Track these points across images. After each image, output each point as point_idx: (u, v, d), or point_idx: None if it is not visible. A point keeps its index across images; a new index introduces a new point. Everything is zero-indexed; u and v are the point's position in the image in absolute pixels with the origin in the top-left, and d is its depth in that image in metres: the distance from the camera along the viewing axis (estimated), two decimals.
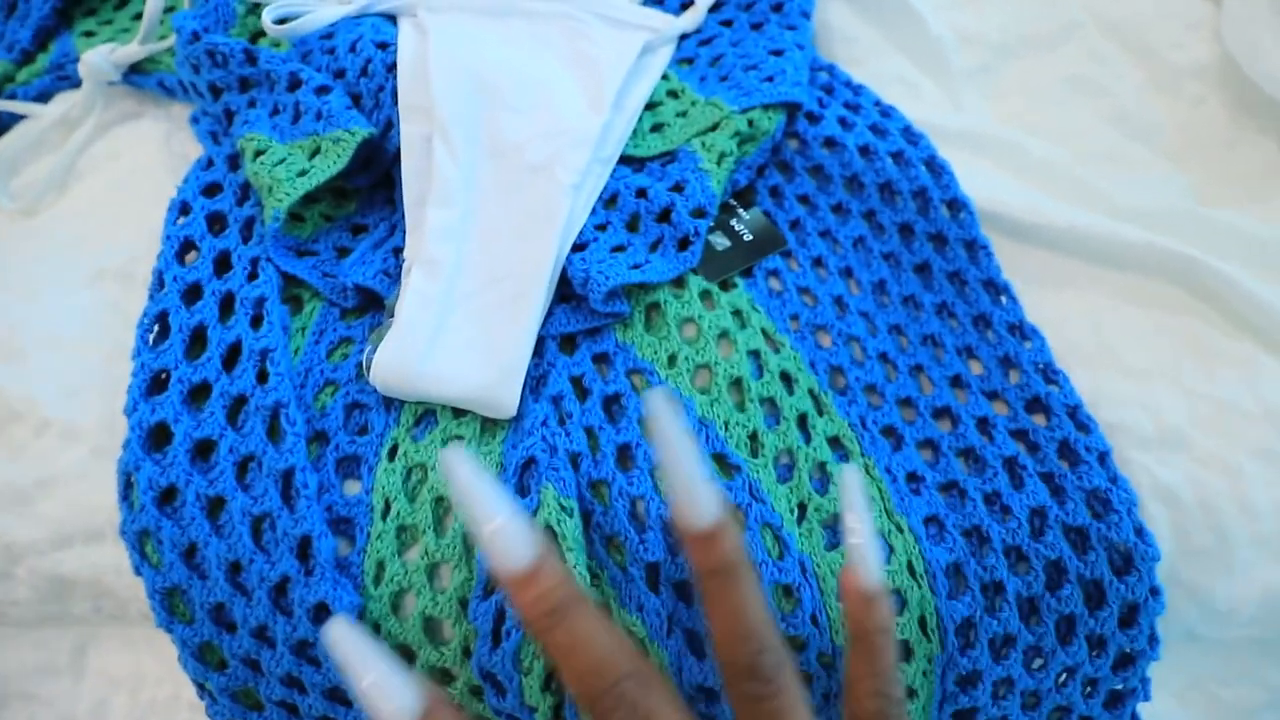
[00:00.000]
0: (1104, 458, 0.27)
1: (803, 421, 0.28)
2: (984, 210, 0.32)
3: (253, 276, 0.27)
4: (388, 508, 0.24)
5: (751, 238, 0.32)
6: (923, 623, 0.26)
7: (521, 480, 0.24)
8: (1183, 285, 0.31)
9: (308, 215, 0.30)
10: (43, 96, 0.37)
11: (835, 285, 0.32)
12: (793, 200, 0.33)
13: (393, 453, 0.25)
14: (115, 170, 0.36)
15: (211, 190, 0.30)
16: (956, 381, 0.30)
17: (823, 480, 0.27)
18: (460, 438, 0.25)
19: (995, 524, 0.26)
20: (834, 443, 0.28)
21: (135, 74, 0.36)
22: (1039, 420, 0.28)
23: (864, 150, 0.33)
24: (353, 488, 0.25)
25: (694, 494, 0.17)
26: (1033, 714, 0.27)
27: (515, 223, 0.27)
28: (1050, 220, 0.32)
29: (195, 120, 0.34)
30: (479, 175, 0.28)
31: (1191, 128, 0.36)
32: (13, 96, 0.37)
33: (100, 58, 0.35)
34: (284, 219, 0.28)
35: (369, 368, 0.25)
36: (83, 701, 0.29)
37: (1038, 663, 0.27)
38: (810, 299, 0.31)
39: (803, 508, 0.26)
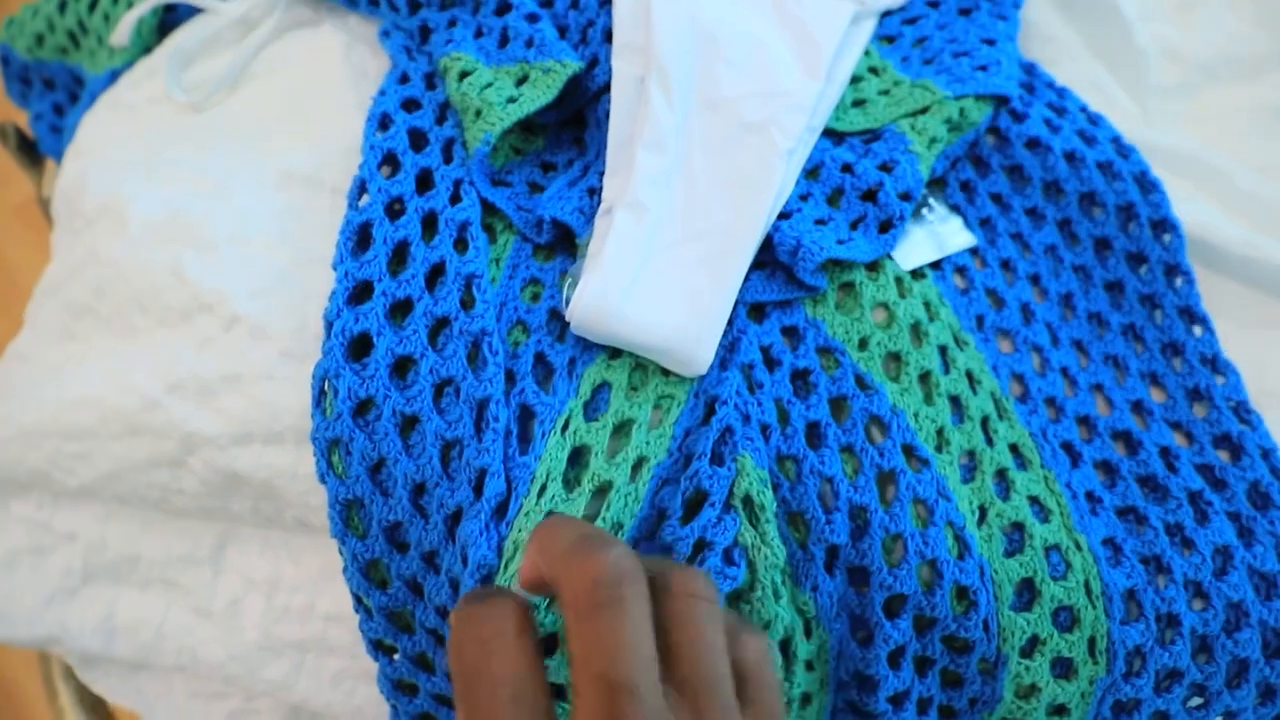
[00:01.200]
0: None
1: (985, 424, 0.27)
2: (1189, 237, 0.31)
3: (455, 199, 0.27)
4: (544, 487, 0.23)
5: (940, 230, 0.30)
6: (1091, 644, 0.25)
7: (715, 449, 0.24)
8: None
9: (499, 146, 0.29)
10: None
11: (1023, 291, 0.30)
12: (985, 198, 0.32)
13: (565, 426, 0.24)
14: (290, 76, 0.35)
15: (410, 106, 0.30)
16: (1138, 407, 0.28)
17: (1004, 486, 0.26)
18: (631, 420, 0.24)
19: (1177, 556, 0.25)
20: (1014, 450, 0.27)
21: None
22: (1226, 458, 0.27)
23: (1069, 156, 0.31)
24: (523, 448, 0.24)
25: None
26: None
27: (726, 179, 0.26)
28: (1265, 255, 0.30)
29: (385, 34, 0.34)
30: (691, 125, 0.27)
31: None
32: None
33: None
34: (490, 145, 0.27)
35: (565, 303, 0.25)
36: (219, 597, 0.29)
37: (1197, 701, 0.26)
38: (996, 302, 0.30)
39: (983, 511, 0.25)
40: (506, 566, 0.22)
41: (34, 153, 0.45)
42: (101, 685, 0.32)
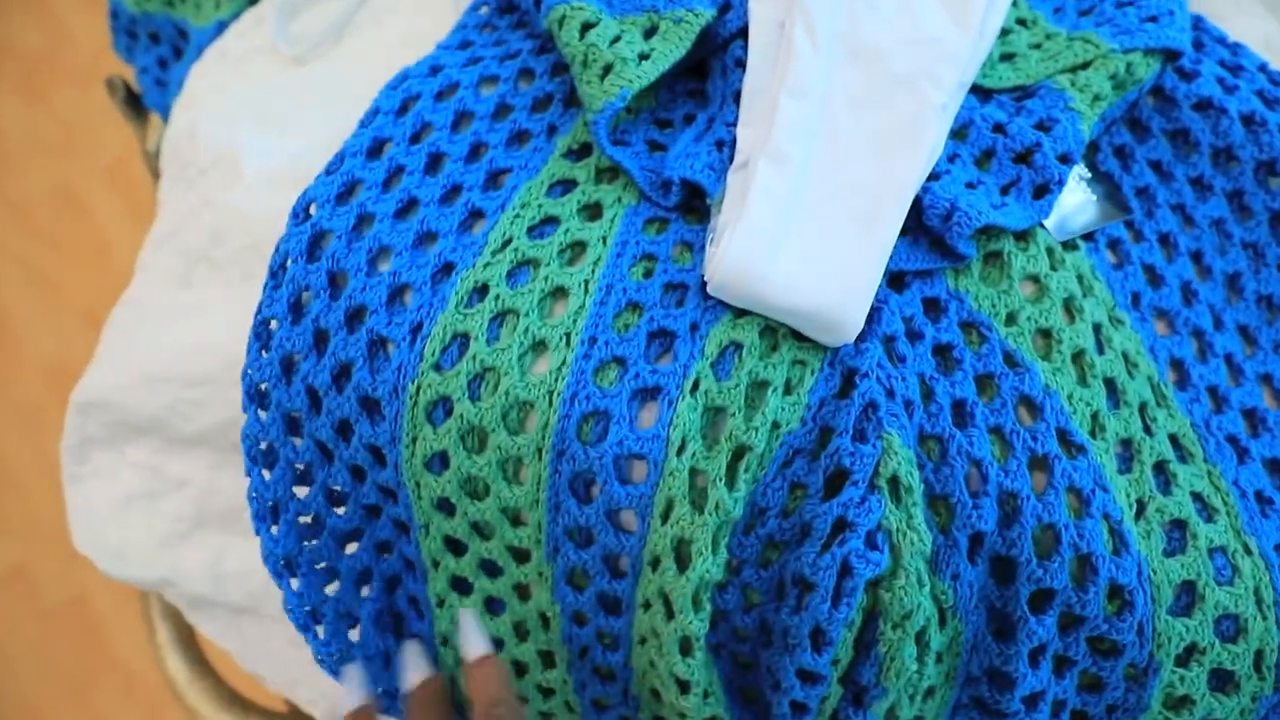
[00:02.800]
0: None
1: (1143, 411, 0.24)
2: None
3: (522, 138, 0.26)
4: (683, 446, 0.22)
5: (1096, 199, 0.28)
6: (1259, 657, 0.23)
7: (858, 425, 0.22)
8: None
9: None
10: None
11: (1184, 269, 0.27)
12: (1143, 165, 0.29)
13: (694, 387, 0.23)
14: (396, 27, 0.35)
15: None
16: None
17: (1164, 479, 0.24)
18: (767, 383, 0.23)
19: None
20: (1174, 441, 0.25)
21: None
22: None
23: (1248, 119, 0.28)
24: (648, 419, 0.23)
25: None
26: None
27: (874, 134, 0.24)
28: None
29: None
30: (837, 74, 0.25)
31: None
32: None
33: None
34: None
35: (707, 262, 0.23)
36: None
37: None
38: (1154, 279, 0.27)
39: (1141, 505, 0.23)
40: (664, 522, 0.23)
41: (140, 107, 0.46)
42: (206, 627, 0.33)
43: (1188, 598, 0.23)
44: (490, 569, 0.27)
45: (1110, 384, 0.24)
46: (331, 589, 0.27)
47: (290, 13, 0.36)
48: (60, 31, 1.22)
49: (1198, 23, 0.31)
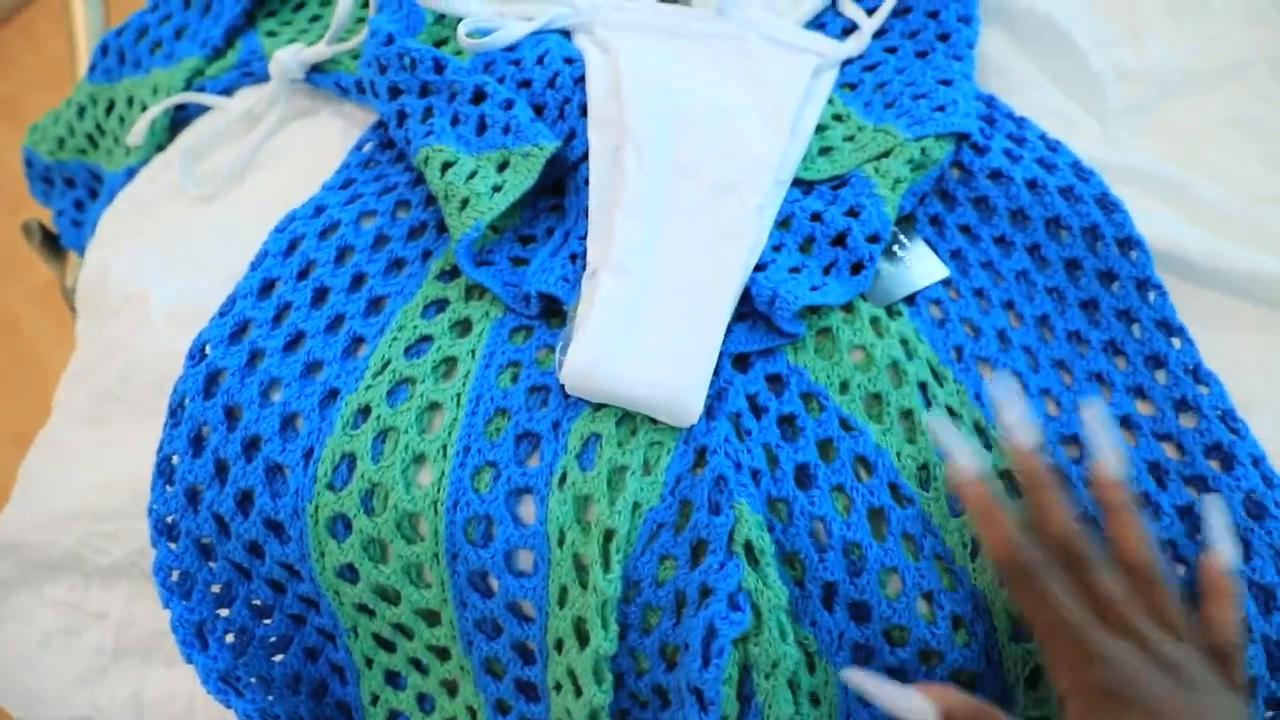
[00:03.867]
0: None
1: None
2: (1157, 251, 0.32)
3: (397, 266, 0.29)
4: (563, 537, 0.25)
5: (913, 265, 0.32)
6: None
7: (711, 498, 0.25)
8: None
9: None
10: (227, 91, 0.40)
11: (998, 318, 0.31)
12: (954, 230, 0.33)
13: (562, 480, 0.25)
14: (294, 163, 0.38)
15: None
16: (1126, 422, 0.29)
17: None
18: (625, 468, 0.25)
19: (1170, 573, 0.26)
20: (1004, 476, 0.28)
21: (315, 73, 0.38)
22: (1218, 468, 0.28)
23: (1031, 184, 0.33)
24: (527, 516, 0.26)
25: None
26: None
27: (702, 239, 0.28)
28: (1230, 264, 0.31)
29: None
30: (666, 190, 0.28)
31: None
32: (201, 89, 0.40)
33: (289, 56, 0.37)
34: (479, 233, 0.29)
35: (559, 367, 0.26)
36: None
37: None
38: (973, 330, 0.31)
39: (974, 545, 0.26)
40: (561, 606, 0.25)
41: (57, 246, 0.48)
42: None
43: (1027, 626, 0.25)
44: (419, 666, 0.28)
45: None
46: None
47: (195, 156, 0.39)
48: None
49: (990, 101, 0.36)
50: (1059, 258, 0.32)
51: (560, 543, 0.25)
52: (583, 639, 0.24)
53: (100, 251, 0.38)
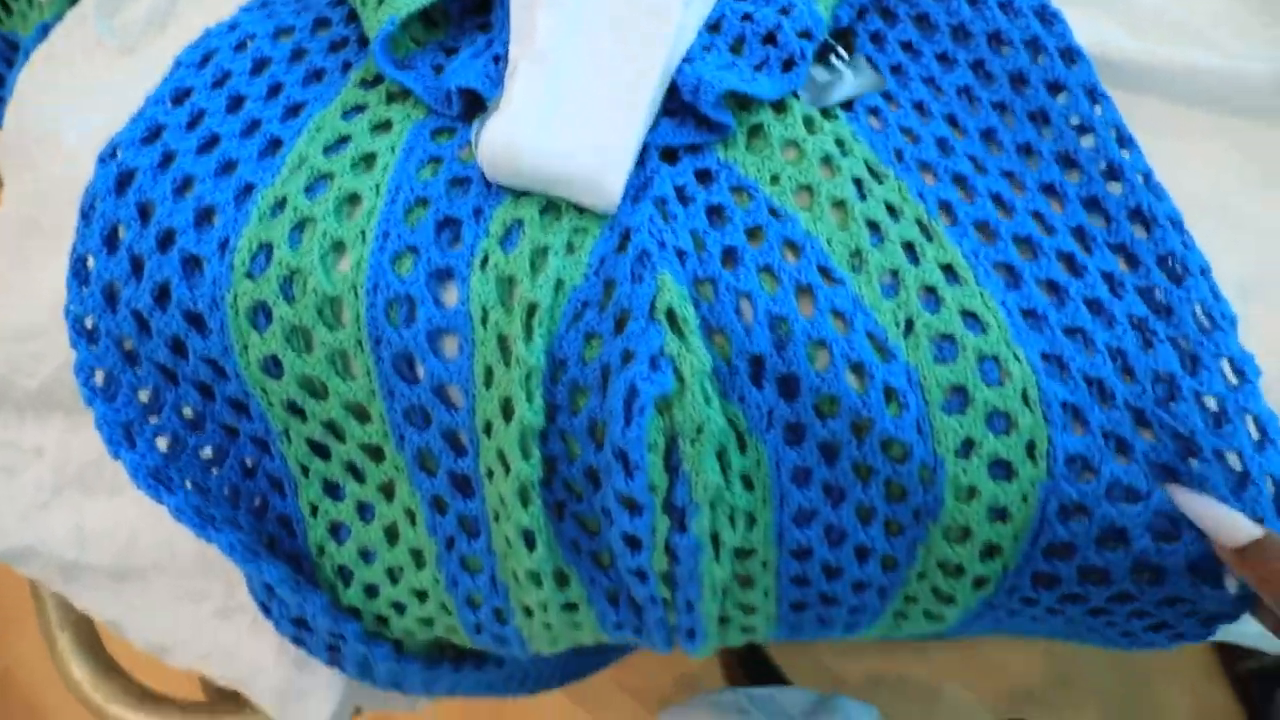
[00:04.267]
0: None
1: (909, 247, 0.27)
2: (1096, 58, 0.31)
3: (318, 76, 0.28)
4: (486, 316, 0.25)
5: (852, 73, 0.31)
6: (1030, 448, 0.25)
7: (633, 270, 0.25)
8: None
9: (399, 39, 0.30)
10: None
11: (939, 128, 0.31)
12: (895, 45, 0.33)
13: (484, 263, 0.25)
14: (215, 10, 0.36)
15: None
16: (1080, 233, 0.29)
17: (934, 300, 0.26)
18: (548, 248, 0.25)
19: (1119, 382, 0.26)
20: (946, 270, 0.27)
21: None
22: (1168, 278, 0.28)
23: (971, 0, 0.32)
24: (450, 299, 0.25)
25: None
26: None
27: (626, 21, 0.27)
28: (1167, 63, 0.31)
29: None
30: None
31: None
32: None
33: None
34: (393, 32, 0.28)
35: (476, 145, 0.26)
36: None
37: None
38: (912, 138, 0.30)
39: (910, 323, 0.26)
40: (488, 387, 0.25)
41: None
42: (87, 598, 0.34)
43: (959, 399, 0.25)
44: (354, 472, 0.28)
45: (873, 225, 0.27)
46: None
47: (112, 6, 0.38)
48: None
49: None
50: (1004, 71, 0.32)
51: (484, 322, 0.24)
52: (509, 417, 0.24)
53: (16, 110, 0.37)
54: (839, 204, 0.27)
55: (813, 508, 0.26)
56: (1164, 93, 0.31)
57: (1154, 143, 0.30)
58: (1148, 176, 0.29)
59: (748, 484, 0.26)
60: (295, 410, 0.27)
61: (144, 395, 0.27)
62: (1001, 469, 0.26)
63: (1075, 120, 0.30)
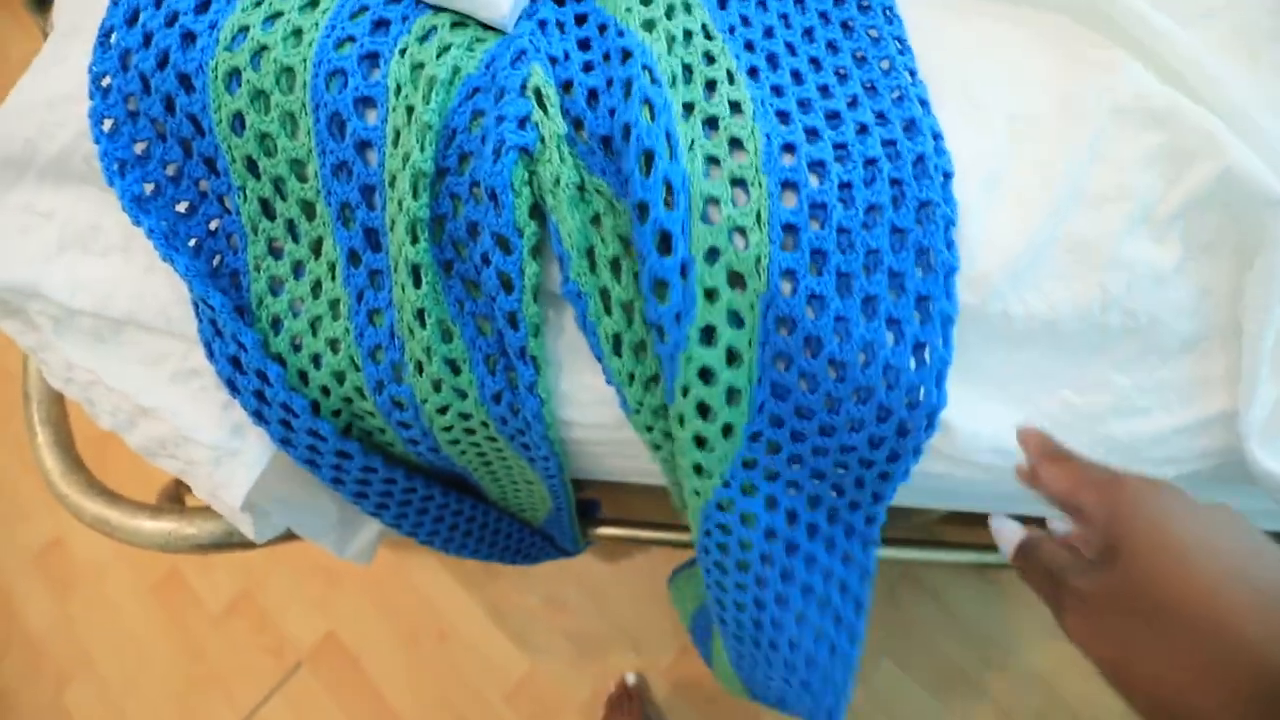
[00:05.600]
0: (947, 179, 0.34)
1: (711, 86, 0.35)
2: None
3: None
4: (399, 89, 0.33)
5: None
6: (757, 262, 0.32)
7: (513, 61, 0.33)
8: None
9: None
10: None
11: (768, 19, 0.40)
12: None
13: (403, 53, 0.34)
14: None
15: None
16: (853, 102, 0.37)
17: (712, 129, 0.33)
18: (451, 44, 0.34)
19: (840, 205, 0.33)
20: (733, 106, 0.34)
21: None
22: (903, 132, 0.35)
23: None
24: (374, 75, 0.34)
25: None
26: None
27: None
28: None
29: None
30: None
31: None
32: None
33: None
34: None
35: None
36: None
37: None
38: (745, 24, 0.39)
39: (692, 143, 0.32)
40: (396, 145, 0.33)
41: (43, 3, 0.56)
42: (69, 349, 0.41)
43: (713, 211, 0.32)
44: (292, 231, 0.36)
45: (687, 69, 0.34)
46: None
47: None
48: None
49: None
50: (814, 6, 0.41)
51: (397, 94, 0.33)
52: (407, 164, 0.33)
53: None
54: (671, 40, 0.35)
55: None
56: None
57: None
58: (913, 72, 0.38)
59: (614, 266, 0.34)
60: (252, 167, 0.35)
61: (139, 147, 0.35)
62: (733, 278, 0.32)
63: (873, 32, 0.39)
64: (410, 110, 0.33)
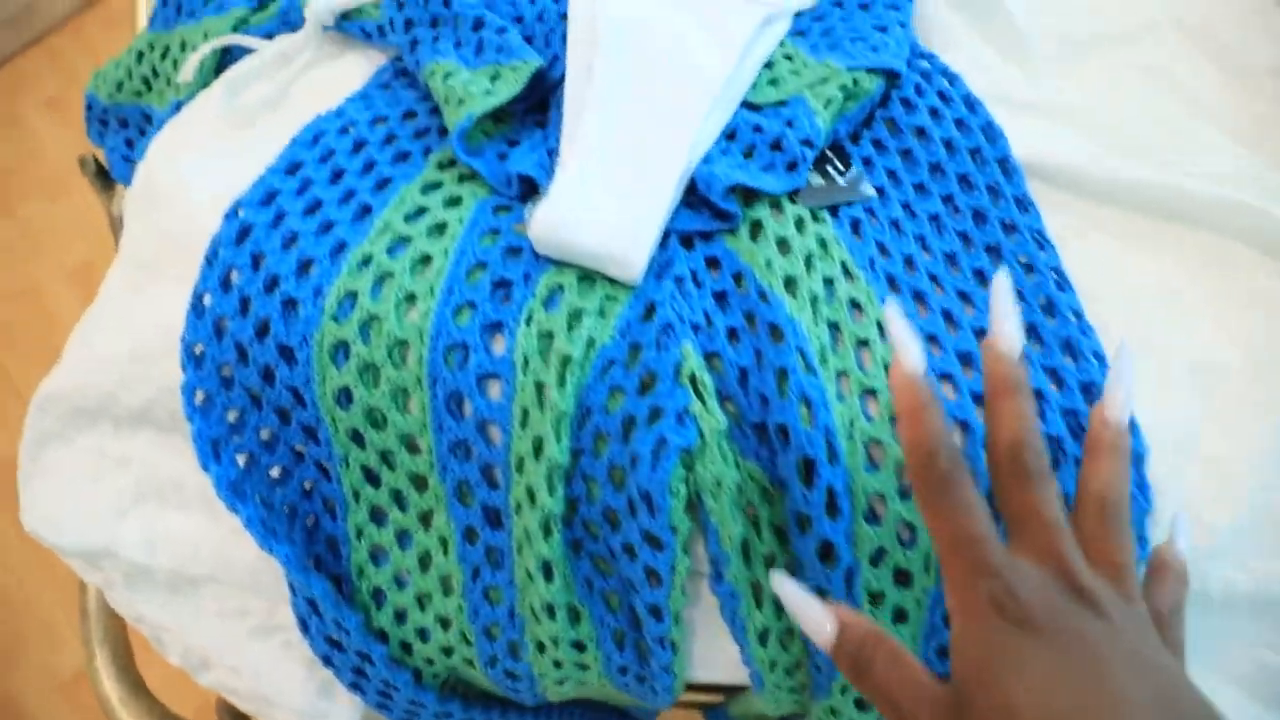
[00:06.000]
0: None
1: (864, 344, 0.31)
2: (1064, 167, 0.36)
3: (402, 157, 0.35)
4: (527, 364, 0.29)
5: (845, 183, 0.36)
6: (927, 559, 0.28)
7: (658, 339, 0.29)
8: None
9: (472, 132, 0.36)
10: (268, 36, 0.46)
11: (907, 246, 0.35)
12: (881, 171, 0.38)
13: (529, 319, 0.30)
14: (321, 97, 0.43)
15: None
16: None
17: (868, 407, 0.29)
18: (583, 310, 0.30)
19: None
20: (889, 369, 0.30)
21: (344, 20, 0.44)
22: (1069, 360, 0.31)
23: (948, 144, 0.38)
24: (499, 348, 0.30)
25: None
26: None
27: (655, 127, 0.33)
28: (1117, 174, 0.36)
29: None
30: (627, 92, 0.34)
31: (1269, 120, 0.40)
32: (246, 35, 0.46)
33: (322, 4, 0.43)
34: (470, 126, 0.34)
35: (529, 222, 0.31)
36: None
37: None
38: (884, 251, 0.35)
39: (852, 424, 0.28)
40: (524, 427, 0.29)
41: (108, 179, 0.54)
42: (141, 604, 0.38)
43: (878, 506, 0.28)
44: (399, 500, 0.33)
45: (834, 326, 0.31)
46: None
47: (236, 89, 0.45)
48: (31, 144, 1.32)
49: (930, 59, 0.42)
50: (969, 207, 0.37)
51: (525, 369, 0.29)
52: (540, 455, 0.29)
53: (146, 168, 0.44)
54: (814, 300, 0.31)
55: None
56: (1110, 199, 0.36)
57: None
58: (1078, 315, 0.33)
59: (778, 535, 0.29)
60: (357, 438, 0.31)
61: (232, 415, 0.32)
62: (901, 577, 0.29)
63: (1023, 259, 0.35)
64: (540, 387, 0.29)
